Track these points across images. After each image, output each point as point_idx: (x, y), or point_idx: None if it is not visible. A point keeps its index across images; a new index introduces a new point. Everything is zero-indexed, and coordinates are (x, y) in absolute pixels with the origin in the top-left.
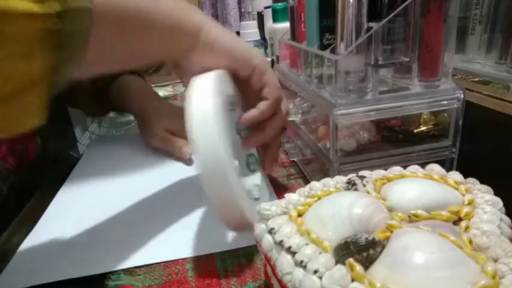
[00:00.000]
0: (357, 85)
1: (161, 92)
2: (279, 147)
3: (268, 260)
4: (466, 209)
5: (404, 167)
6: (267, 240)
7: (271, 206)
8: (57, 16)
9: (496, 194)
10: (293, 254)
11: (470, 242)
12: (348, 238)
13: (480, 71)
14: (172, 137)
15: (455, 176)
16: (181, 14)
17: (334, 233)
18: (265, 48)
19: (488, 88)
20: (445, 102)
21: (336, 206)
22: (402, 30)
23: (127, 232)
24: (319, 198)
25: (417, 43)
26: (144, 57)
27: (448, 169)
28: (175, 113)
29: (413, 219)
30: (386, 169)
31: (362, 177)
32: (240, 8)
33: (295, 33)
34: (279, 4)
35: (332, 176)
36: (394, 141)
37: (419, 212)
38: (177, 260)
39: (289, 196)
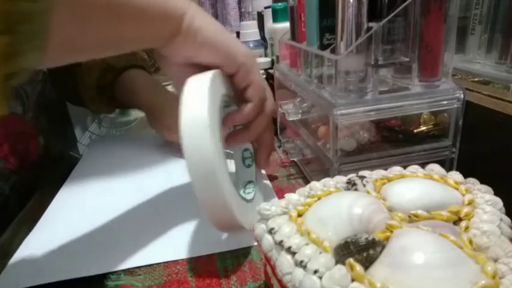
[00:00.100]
0: (357, 85)
1: None
2: (271, 143)
3: (268, 260)
4: (466, 209)
5: (404, 167)
6: (267, 240)
7: (271, 206)
8: None
9: (496, 194)
10: (293, 254)
11: (470, 242)
12: (348, 238)
13: (480, 71)
14: None
15: (455, 176)
16: None
17: (334, 233)
18: (265, 48)
19: (488, 88)
20: (445, 102)
21: (336, 206)
22: (402, 30)
23: (127, 232)
24: (319, 198)
25: (417, 43)
26: (118, 44)
27: (448, 169)
28: None
29: (413, 219)
30: (386, 169)
31: (362, 177)
32: (240, 8)
33: (295, 33)
34: (279, 4)
35: (332, 176)
36: (394, 141)
37: (419, 212)
38: (177, 260)
39: (289, 196)
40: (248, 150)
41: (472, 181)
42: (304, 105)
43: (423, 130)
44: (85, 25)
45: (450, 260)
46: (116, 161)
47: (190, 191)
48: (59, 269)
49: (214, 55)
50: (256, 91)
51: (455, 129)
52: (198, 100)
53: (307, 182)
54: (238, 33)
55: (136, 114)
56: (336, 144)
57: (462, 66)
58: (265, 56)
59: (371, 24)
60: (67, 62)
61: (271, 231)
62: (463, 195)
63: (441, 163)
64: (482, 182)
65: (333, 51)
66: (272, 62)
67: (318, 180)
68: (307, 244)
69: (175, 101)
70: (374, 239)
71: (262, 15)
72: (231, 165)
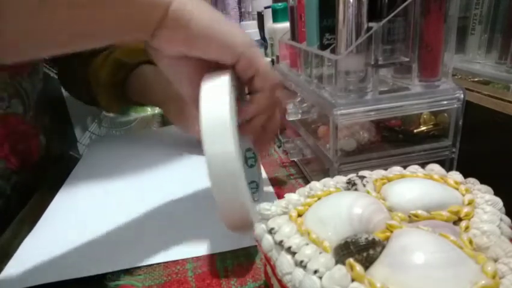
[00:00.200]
0: (357, 85)
1: None
2: (277, 129)
3: (268, 260)
4: (466, 209)
5: (404, 167)
6: (267, 240)
7: (271, 206)
8: None
9: (496, 194)
10: (293, 254)
11: (470, 242)
12: (348, 238)
13: (480, 71)
14: None
15: (455, 176)
16: None
17: (334, 233)
18: (265, 48)
19: (488, 88)
20: (445, 102)
21: (336, 206)
22: (402, 30)
23: (127, 232)
24: (319, 198)
25: (417, 43)
26: (90, 35)
27: (448, 169)
28: None
29: (413, 219)
30: (386, 169)
31: (362, 177)
32: (240, 8)
33: (295, 33)
34: (279, 4)
35: (332, 176)
36: (394, 141)
37: (419, 212)
38: (177, 260)
39: (289, 196)
40: (251, 150)
41: (472, 181)
42: (304, 105)
43: (423, 130)
44: (53, 8)
45: (450, 260)
46: (116, 161)
47: (190, 191)
48: (59, 269)
49: (209, 49)
50: (265, 80)
51: (455, 129)
52: (218, 103)
53: (307, 182)
54: None
55: (136, 114)
56: (336, 144)
57: (462, 66)
58: (265, 56)
59: (371, 24)
60: (35, 56)
61: (271, 231)
62: (463, 195)
63: (441, 163)
64: (482, 182)
65: (333, 51)
66: (272, 62)
67: (318, 180)
68: (307, 244)
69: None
70: (374, 239)
71: (262, 15)
72: None
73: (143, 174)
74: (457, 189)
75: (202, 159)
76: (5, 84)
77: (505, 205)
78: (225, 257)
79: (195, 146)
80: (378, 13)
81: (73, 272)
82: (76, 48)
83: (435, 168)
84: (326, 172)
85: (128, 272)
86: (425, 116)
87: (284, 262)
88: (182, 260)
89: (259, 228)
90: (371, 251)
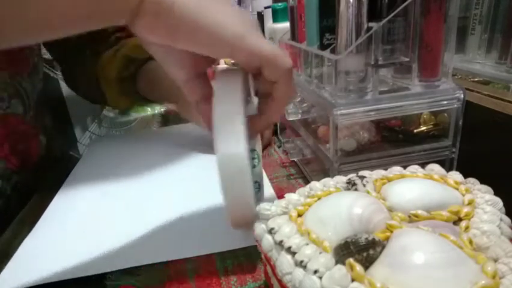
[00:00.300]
0: (357, 85)
1: None
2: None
3: (268, 260)
4: (466, 209)
5: (404, 167)
6: (267, 240)
7: (271, 206)
8: None
9: (496, 194)
10: (293, 254)
11: (470, 242)
12: (348, 238)
13: (480, 71)
14: None
15: (455, 176)
16: None
17: (334, 233)
18: None
19: (488, 88)
20: (445, 102)
21: (336, 206)
22: (402, 30)
23: (127, 232)
24: (319, 198)
25: (417, 43)
26: (57, 21)
27: (448, 169)
28: None
29: (413, 219)
30: (386, 169)
31: (362, 177)
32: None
33: (295, 33)
34: (279, 4)
35: (332, 176)
36: (394, 141)
37: (419, 212)
38: (177, 260)
39: (289, 196)
40: (255, 151)
41: (472, 181)
42: (304, 105)
43: (423, 130)
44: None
45: (450, 260)
46: (115, 161)
47: (189, 191)
48: (59, 269)
49: (196, 41)
50: (274, 70)
51: (455, 129)
52: (231, 104)
53: (307, 182)
54: None
55: (136, 114)
56: (336, 144)
57: (462, 66)
58: None
59: (371, 24)
60: (10, 42)
61: (271, 231)
62: (463, 195)
63: (441, 163)
64: (482, 182)
65: (333, 51)
66: None
67: (318, 180)
68: (307, 244)
69: None
70: (374, 239)
71: (262, 15)
72: None
73: (143, 174)
74: (457, 189)
75: (202, 159)
76: (5, 84)
77: (505, 205)
78: (225, 256)
79: (194, 146)
80: (378, 13)
81: (72, 272)
82: (52, 35)
83: (435, 168)
84: (326, 172)
85: (128, 272)
86: (425, 116)
87: (284, 262)
88: (182, 260)
89: (259, 228)
90: (371, 251)
